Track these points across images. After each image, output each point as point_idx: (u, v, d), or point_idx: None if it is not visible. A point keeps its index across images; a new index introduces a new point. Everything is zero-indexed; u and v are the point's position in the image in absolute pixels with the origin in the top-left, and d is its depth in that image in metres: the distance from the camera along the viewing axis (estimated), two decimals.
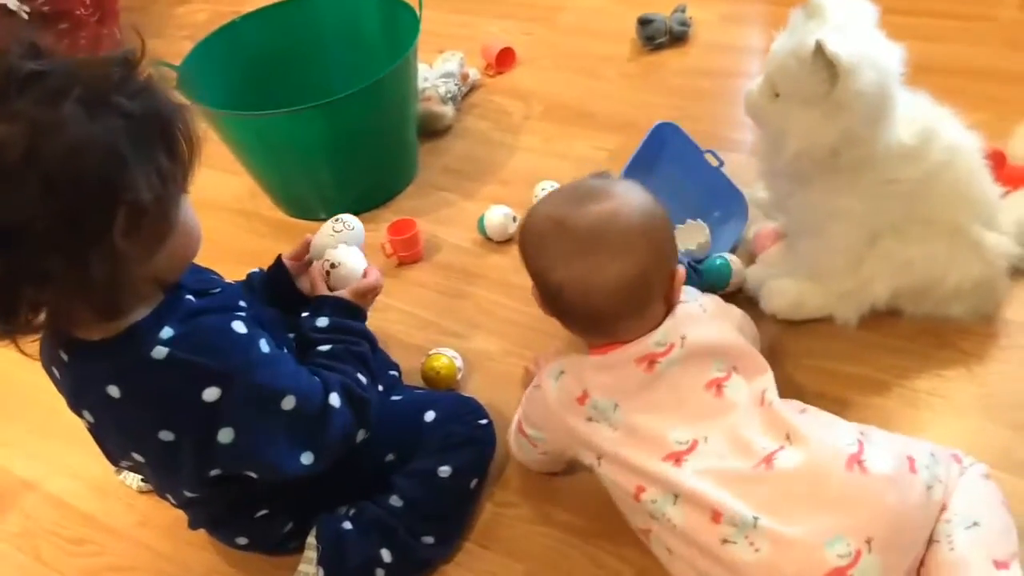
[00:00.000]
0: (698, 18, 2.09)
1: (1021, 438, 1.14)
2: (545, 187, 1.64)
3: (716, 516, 0.91)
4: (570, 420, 1.03)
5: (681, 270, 1.02)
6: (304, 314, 1.13)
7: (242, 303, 1.02)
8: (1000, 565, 0.92)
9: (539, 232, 1.01)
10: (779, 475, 0.91)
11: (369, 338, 1.13)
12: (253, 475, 1.01)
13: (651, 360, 0.99)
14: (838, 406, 1.19)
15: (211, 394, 0.92)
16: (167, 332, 0.91)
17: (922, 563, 0.93)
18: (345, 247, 1.19)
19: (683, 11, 2.07)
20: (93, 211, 0.81)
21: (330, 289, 1.16)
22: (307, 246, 1.23)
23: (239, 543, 1.15)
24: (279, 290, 1.22)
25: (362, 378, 1.05)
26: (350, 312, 1.13)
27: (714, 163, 1.47)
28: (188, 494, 1.05)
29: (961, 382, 1.22)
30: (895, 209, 1.17)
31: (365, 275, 1.17)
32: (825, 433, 0.95)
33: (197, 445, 0.95)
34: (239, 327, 0.96)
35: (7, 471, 1.41)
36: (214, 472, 0.99)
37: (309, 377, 1.00)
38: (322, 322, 1.10)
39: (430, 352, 1.37)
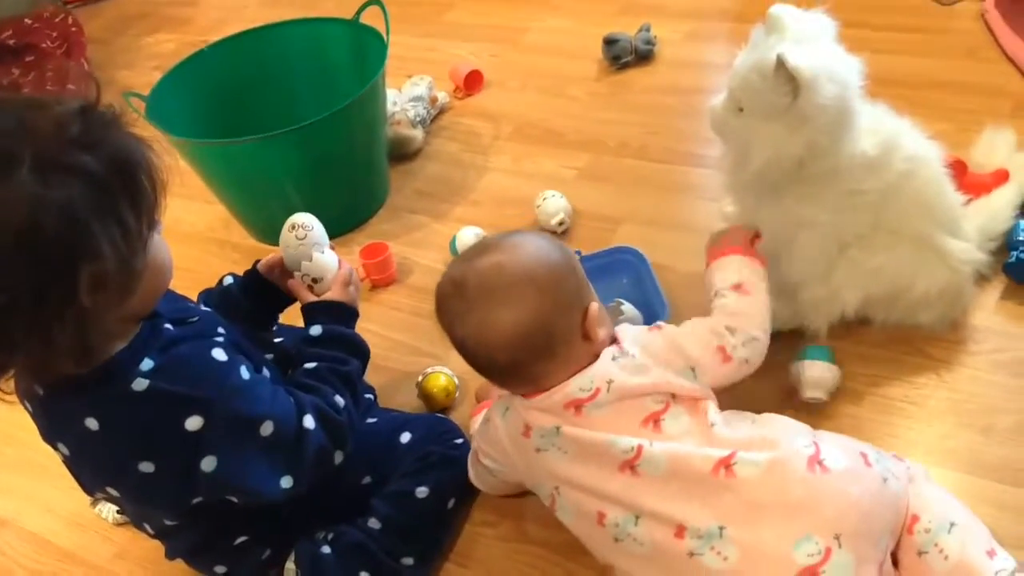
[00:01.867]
0: (663, 37, 2.12)
1: (990, 441, 1.16)
2: (547, 196, 1.66)
3: (680, 531, 0.91)
4: (522, 452, 1.04)
5: (595, 307, 1.01)
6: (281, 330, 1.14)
7: (220, 329, 1.02)
8: (991, 554, 0.94)
9: (441, 294, 1.04)
10: (742, 483, 0.91)
11: (360, 348, 1.13)
12: (234, 500, 1.00)
13: (577, 405, 0.99)
14: (809, 415, 1.21)
15: (194, 423, 0.92)
16: (147, 364, 0.91)
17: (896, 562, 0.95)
18: (319, 256, 1.16)
19: (648, 30, 2.10)
20: (55, 281, 0.80)
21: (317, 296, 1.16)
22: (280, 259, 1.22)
23: (218, 572, 1.13)
24: (256, 292, 1.21)
25: (339, 400, 1.05)
26: (343, 315, 1.14)
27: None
28: (168, 522, 1.05)
29: (931, 388, 1.24)
30: (861, 219, 1.19)
31: (339, 265, 1.18)
32: (782, 437, 0.95)
33: (179, 474, 0.95)
34: (219, 354, 0.96)
35: None
36: (196, 500, 0.98)
37: (285, 400, 1.00)
38: (315, 330, 1.10)
39: (427, 371, 1.37)
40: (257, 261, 1.23)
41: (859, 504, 0.90)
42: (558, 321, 0.99)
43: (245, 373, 0.97)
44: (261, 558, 1.12)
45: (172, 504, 1.02)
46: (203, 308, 1.10)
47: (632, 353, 1.01)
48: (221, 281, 1.23)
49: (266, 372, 1.04)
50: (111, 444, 0.93)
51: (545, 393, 1.01)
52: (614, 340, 1.04)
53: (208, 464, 0.94)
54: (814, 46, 1.09)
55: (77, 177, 0.80)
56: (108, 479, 0.99)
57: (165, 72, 1.77)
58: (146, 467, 0.93)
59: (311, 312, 1.13)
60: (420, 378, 1.36)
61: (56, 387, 0.92)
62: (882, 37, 1.88)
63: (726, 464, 0.92)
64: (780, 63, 1.04)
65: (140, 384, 0.90)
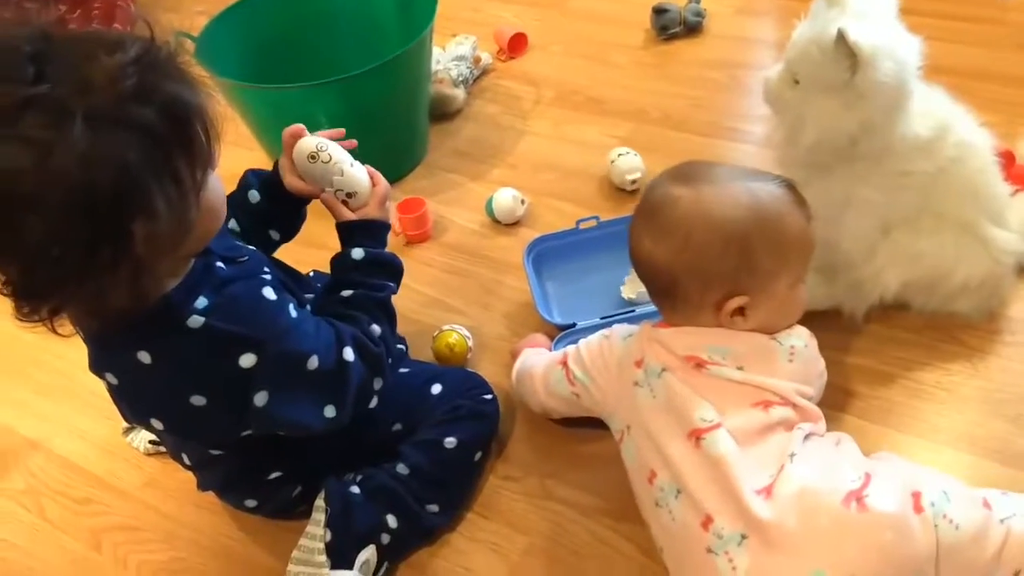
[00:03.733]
0: (712, 9, 2.10)
1: (1020, 431, 1.16)
2: (620, 152, 1.65)
3: (707, 522, 0.91)
4: (622, 379, 1.06)
5: (739, 302, 0.98)
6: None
7: (266, 268, 1.03)
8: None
9: (643, 198, 1.06)
10: (775, 500, 0.89)
11: (397, 269, 1.14)
12: (282, 433, 1.02)
13: (699, 364, 0.99)
14: (843, 396, 1.22)
15: (247, 360, 0.94)
16: (202, 302, 0.92)
17: None
18: (349, 170, 1.12)
19: (698, 2, 2.08)
20: (108, 236, 0.79)
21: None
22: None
23: (248, 505, 1.16)
24: (276, 192, 1.18)
25: (376, 329, 1.06)
26: (381, 234, 1.13)
27: None
28: (211, 452, 1.07)
29: (964, 376, 1.23)
30: (908, 201, 1.18)
31: (375, 180, 1.15)
32: (829, 466, 0.93)
33: (231, 409, 0.97)
34: (269, 293, 0.98)
35: (13, 431, 1.42)
36: (245, 433, 1.01)
37: (327, 333, 1.02)
38: (358, 254, 1.10)
39: (441, 329, 1.38)
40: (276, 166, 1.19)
41: (886, 551, 0.86)
42: (684, 279, 0.99)
43: (293, 311, 0.99)
44: (291, 495, 1.14)
45: (220, 436, 1.04)
46: (249, 247, 1.10)
47: (793, 354, 1.01)
48: (243, 185, 1.20)
49: (308, 307, 1.05)
50: (163, 378, 0.95)
51: (674, 329, 1.02)
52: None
53: (260, 399, 0.96)
54: (875, 23, 1.08)
55: (131, 132, 0.78)
56: (154, 411, 1.01)
57: (213, 16, 1.77)
58: (198, 400, 0.95)
59: (351, 232, 1.12)
60: (433, 336, 1.37)
61: (111, 321, 0.93)
62: (935, 24, 1.82)
63: (767, 489, 0.91)
64: (840, 37, 1.03)
65: (195, 321, 0.91)
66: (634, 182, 1.61)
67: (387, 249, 1.14)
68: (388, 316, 1.10)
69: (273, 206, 1.19)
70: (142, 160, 0.78)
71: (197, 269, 0.94)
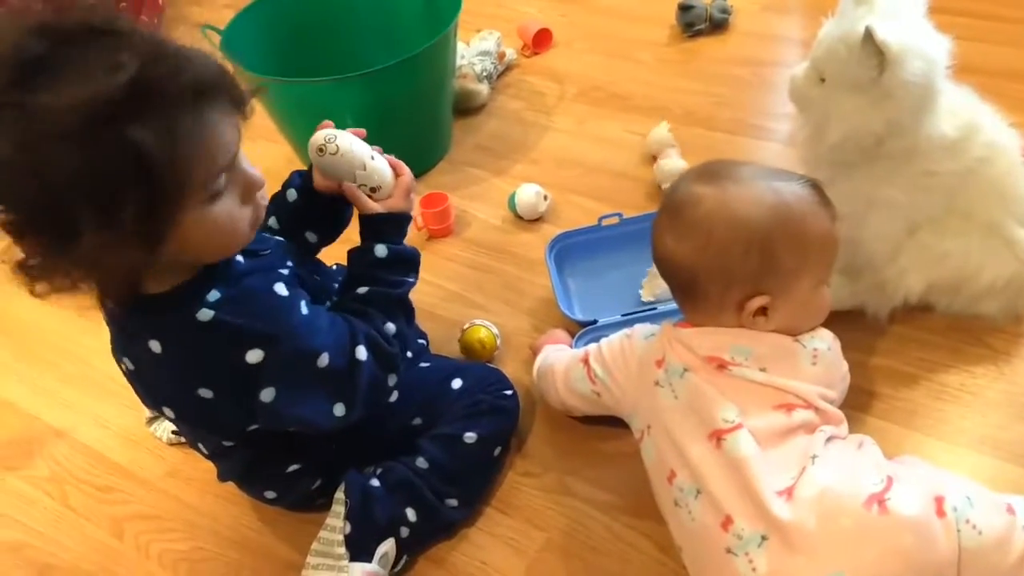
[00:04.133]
0: (739, 6, 2.09)
1: None
2: (669, 155, 1.64)
3: (727, 523, 0.91)
4: (643, 378, 1.05)
5: (760, 302, 0.98)
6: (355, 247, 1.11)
7: (288, 262, 1.04)
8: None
9: (666, 195, 1.06)
10: (796, 502, 0.89)
11: (417, 263, 1.12)
12: (290, 429, 1.03)
13: (721, 364, 0.99)
14: (866, 397, 1.21)
15: (254, 356, 0.94)
16: (214, 295, 0.93)
17: None
18: (371, 163, 1.10)
19: None
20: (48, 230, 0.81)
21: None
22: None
23: (267, 497, 1.17)
24: (311, 192, 1.17)
25: (391, 327, 1.05)
26: (404, 227, 1.12)
27: None
28: (225, 443, 1.08)
29: (989, 379, 1.22)
30: (935, 201, 1.17)
31: (398, 171, 1.13)
32: (851, 468, 0.93)
33: (237, 403, 0.98)
34: (281, 289, 0.98)
35: (38, 419, 1.44)
36: (252, 427, 1.02)
37: (341, 330, 1.01)
38: (381, 251, 1.08)
39: (471, 324, 1.38)
40: (300, 175, 1.18)
41: (907, 555, 0.86)
42: (706, 279, 0.99)
43: (304, 308, 0.99)
44: (311, 487, 1.15)
45: (229, 429, 1.05)
46: (276, 238, 1.11)
47: (816, 357, 1.00)
48: (286, 184, 1.19)
49: (328, 303, 1.06)
50: (172, 367, 0.96)
51: (696, 329, 1.02)
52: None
53: (267, 395, 0.97)
54: (903, 21, 1.07)
55: (69, 157, 0.77)
56: (166, 400, 1.02)
57: (240, 9, 1.78)
58: (205, 393, 0.96)
59: (376, 225, 1.09)
60: (462, 331, 1.37)
61: (126, 305, 0.95)
62: (965, 23, 1.79)
63: (788, 490, 0.90)
64: (868, 36, 1.03)
65: (205, 314, 0.92)
66: None
67: (407, 242, 1.13)
68: (405, 312, 1.10)
69: (309, 206, 1.17)
70: (70, 182, 0.77)
71: (211, 263, 0.95)
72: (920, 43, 1.06)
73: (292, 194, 1.18)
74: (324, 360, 0.98)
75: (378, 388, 1.05)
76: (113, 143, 0.77)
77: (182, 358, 0.95)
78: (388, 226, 1.10)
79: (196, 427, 1.08)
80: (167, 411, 1.03)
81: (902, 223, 1.19)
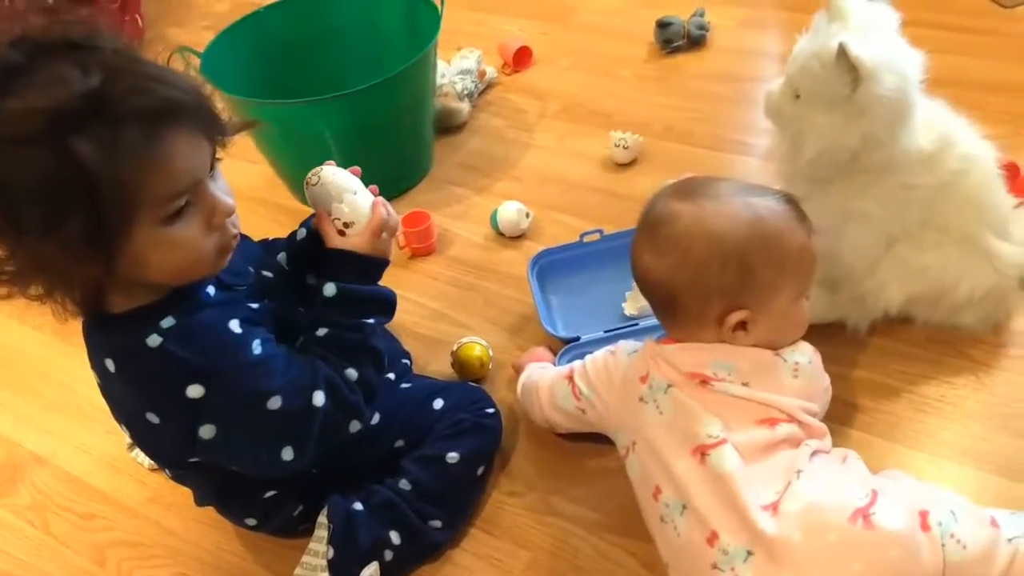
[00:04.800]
0: (716, 23, 2.10)
1: None
2: (622, 136, 1.69)
3: (712, 538, 0.91)
4: (627, 395, 1.05)
5: (739, 316, 0.98)
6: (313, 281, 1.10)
7: (258, 301, 1.03)
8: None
9: (644, 212, 1.06)
10: (781, 516, 0.89)
11: (377, 303, 1.07)
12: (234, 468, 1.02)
13: (704, 380, 0.99)
14: (847, 410, 1.21)
15: (195, 391, 0.92)
16: (168, 322, 0.92)
17: None
18: (350, 198, 1.07)
19: (702, 15, 2.08)
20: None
21: None
22: None
23: (248, 524, 1.16)
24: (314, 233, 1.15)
25: (352, 374, 1.02)
26: (365, 268, 1.06)
27: None
28: (169, 472, 1.08)
29: (970, 390, 1.23)
30: (911, 214, 1.18)
31: (373, 211, 1.07)
32: (836, 483, 0.93)
33: (178, 434, 0.96)
34: (235, 326, 0.96)
35: (19, 445, 1.43)
36: (194, 460, 1.00)
37: (299, 372, 0.99)
38: (329, 290, 1.03)
39: (462, 341, 1.37)
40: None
41: (893, 569, 0.86)
42: (684, 295, 1.00)
43: (258, 348, 0.96)
44: (293, 513, 1.14)
45: (171, 458, 1.04)
46: (263, 273, 1.10)
47: (797, 371, 1.01)
48: (302, 224, 1.19)
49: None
50: (124, 387, 0.96)
51: (678, 345, 1.02)
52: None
53: (207, 432, 0.95)
54: (876, 37, 1.08)
55: (18, 163, 0.79)
56: (122, 418, 1.02)
57: (220, 30, 1.78)
58: (152, 418, 0.95)
59: (329, 262, 1.05)
60: (455, 347, 1.37)
61: (92, 321, 0.96)
62: (940, 36, 1.84)
63: (774, 505, 0.90)
64: (842, 52, 1.03)
65: (154, 340, 0.91)
66: None
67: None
68: (369, 356, 1.05)
69: (311, 247, 1.14)
70: (25, 186, 0.80)
71: (180, 287, 0.94)
72: (893, 58, 1.07)
73: (302, 232, 1.18)
74: (276, 403, 0.96)
75: (335, 434, 1.02)
76: (56, 152, 0.78)
77: (131, 380, 0.95)
78: (342, 264, 1.05)
79: (145, 450, 1.08)
80: (124, 430, 1.03)
81: (879, 236, 1.19)
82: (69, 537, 1.28)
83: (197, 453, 0.98)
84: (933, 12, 1.93)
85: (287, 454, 0.99)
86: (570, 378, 1.16)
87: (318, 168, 1.10)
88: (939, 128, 1.15)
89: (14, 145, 0.79)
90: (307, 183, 1.09)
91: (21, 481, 1.37)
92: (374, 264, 1.07)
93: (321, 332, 1.03)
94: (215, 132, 0.91)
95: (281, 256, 1.18)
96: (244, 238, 1.11)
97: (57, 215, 0.80)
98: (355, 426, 1.04)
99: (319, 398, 0.98)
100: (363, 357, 1.04)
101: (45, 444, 1.42)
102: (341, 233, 1.07)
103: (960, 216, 1.19)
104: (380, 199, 1.10)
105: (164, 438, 0.98)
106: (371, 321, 1.06)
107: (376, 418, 1.13)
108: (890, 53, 1.07)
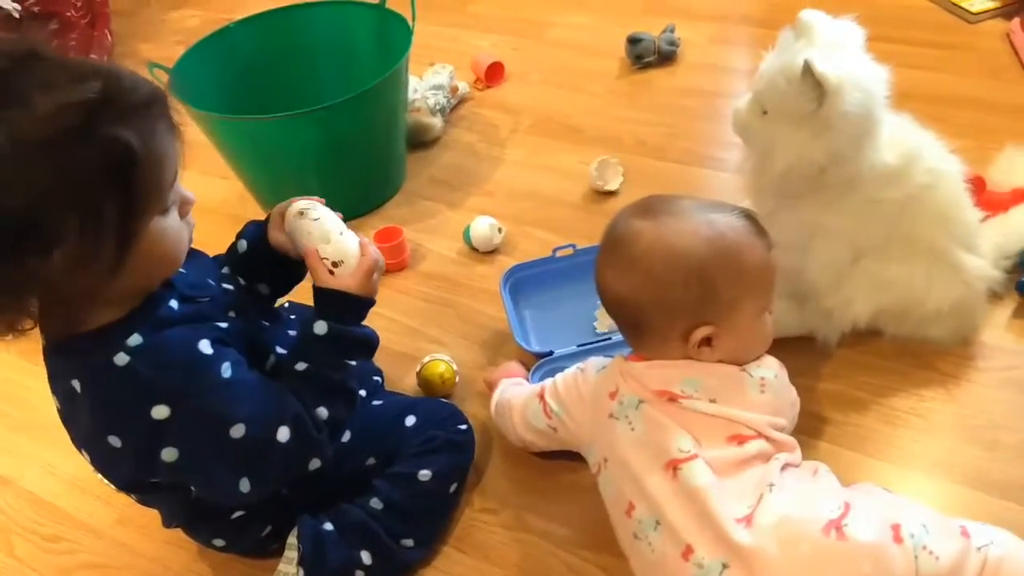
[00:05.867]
0: (686, 38, 2.12)
1: (995, 458, 1.16)
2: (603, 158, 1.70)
3: (687, 552, 0.91)
4: (597, 412, 1.05)
5: (704, 332, 0.98)
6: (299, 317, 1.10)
7: (226, 316, 1.01)
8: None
9: (608, 230, 1.06)
10: (755, 529, 0.89)
11: (364, 346, 1.07)
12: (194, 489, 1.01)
13: (672, 398, 0.99)
14: (816, 422, 1.21)
15: (160, 412, 0.91)
16: (135, 339, 0.91)
17: None
18: (337, 238, 1.07)
19: (672, 31, 2.09)
20: (13, 251, 0.80)
21: None
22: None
23: (216, 544, 1.14)
24: (263, 244, 1.15)
25: (323, 412, 1.01)
26: (357, 308, 1.06)
27: None
28: (135, 496, 1.07)
29: (939, 402, 1.24)
30: (878, 229, 1.19)
31: (363, 251, 1.07)
32: (808, 495, 0.94)
33: (139, 456, 0.94)
34: (205, 347, 0.94)
35: None
36: (154, 480, 0.99)
37: (268, 401, 0.97)
38: (320, 328, 1.02)
39: (426, 359, 1.37)
40: (256, 225, 1.17)
41: None
42: (650, 311, 1.00)
43: (227, 371, 0.95)
44: (261, 534, 1.13)
45: (129, 481, 1.02)
46: (224, 286, 1.08)
47: (764, 386, 1.01)
48: (240, 234, 1.19)
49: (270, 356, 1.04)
50: (88, 410, 0.94)
51: (646, 363, 1.02)
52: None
53: (168, 455, 0.93)
54: (841, 53, 1.09)
55: (54, 163, 0.79)
56: (82, 442, 1.00)
57: (190, 46, 1.77)
58: (114, 441, 0.94)
59: (321, 300, 1.05)
60: (419, 365, 1.37)
61: (55, 343, 0.94)
62: (906, 51, 1.87)
63: (747, 518, 0.90)
64: (807, 68, 1.04)
65: (121, 359, 0.90)
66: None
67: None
68: (343, 396, 1.04)
69: (260, 259, 1.15)
70: (58, 191, 0.79)
71: (144, 304, 0.93)
72: (859, 74, 1.09)
73: (243, 245, 1.17)
74: (239, 431, 0.94)
75: (293, 469, 1.00)
76: (96, 142, 0.80)
77: (97, 401, 0.93)
78: (330, 303, 1.04)
79: (104, 475, 1.05)
80: (84, 454, 1.00)
81: (846, 251, 1.20)
82: (34, 560, 1.25)
83: (158, 475, 0.97)
84: (899, 27, 1.96)
85: (244, 485, 0.97)
86: (541, 396, 1.16)
87: (304, 204, 1.10)
88: (905, 143, 1.17)
89: (39, 148, 0.78)
90: (301, 213, 1.08)
91: None
92: (365, 304, 1.07)
93: (301, 367, 1.02)
94: (175, 127, 0.92)
95: (225, 269, 1.16)
96: (199, 253, 1.11)
97: (93, 212, 0.81)
98: (315, 463, 1.01)
99: (283, 433, 0.97)
100: (338, 397, 1.03)
101: (9, 465, 1.39)
102: (330, 271, 1.06)
103: (927, 230, 1.20)
104: (365, 239, 1.10)
105: (125, 462, 0.96)
106: (353, 363, 1.05)
107: (347, 436, 1.12)
108: (855, 69, 1.08)
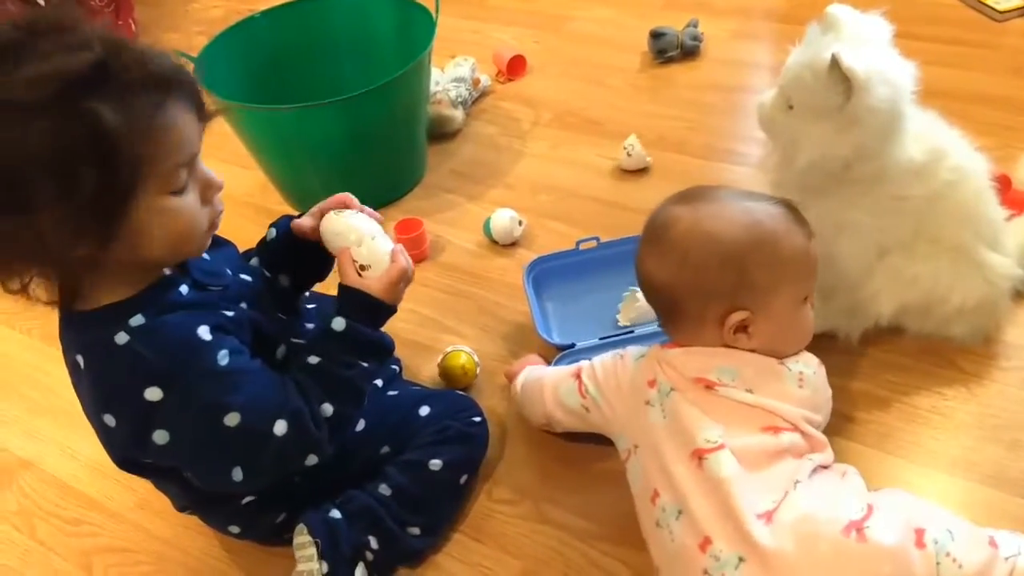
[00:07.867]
0: (709, 33, 2.11)
1: (1016, 457, 1.15)
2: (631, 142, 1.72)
3: (705, 544, 0.91)
4: (633, 398, 1.06)
5: (739, 317, 0.98)
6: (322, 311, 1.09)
7: (236, 306, 1.01)
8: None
9: (651, 217, 1.08)
10: (775, 525, 0.89)
11: (380, 350, 1.06)
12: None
13: (708, 385, 0.99)
14: (839, 420, 1.20)
15: (153, 394, 0.91)
16: (137, 320, 0.91)
17: None
18: (369, 242, 1.07)
19: (695, 26, 2.09)
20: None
21: None
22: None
23: (232, 531, 1.15)
24: (289, 235, 1.15)
25: (326, 409, 0.99)
26: (377, 313, 1.05)
27: None
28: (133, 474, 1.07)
29: (960, 401, 1.23)
30: (903, 225, 1.18)
31: (393, 258, 1.07)
32: (832, 495, 0.93)
33: (132, 436, 0.95)
34: (203, 332, 0.93)
35: (5, 449, 1.41)
36: (147, 461, 0.99)
37: (268, 392, 0.96)
38: (338, 324, 1.02)
39: (448, 349, 1.37)
40: (290, 218, 1.17)
41: None
42: (686, 298, 1.01)
43: (224, 358, 0.94)
44: (276, 521, 1.13)
45: (123, 459, 1.02)
46: (241, 276, 1.08)
47: (802, 381, 1.01)
48: (272, 224, 1.19)
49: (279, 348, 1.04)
50: (88, 386, 0.95)
51: (682, 349, 1.03)
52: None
53: (160, 437, 0.93)
54: (869, 48, 1.08)
55: (35, 129, 0.79)
56: (88, 415, 1.00)
57: (214, 36, 1.78)
58: (108, 419, 0.94)
59: (344, 298, 1.04)
60: (441, 356, 1.37)
61: (66, 317, 0.96)
62: (932, 48, 1.86)
63: (769, 514, 0.90)
64: (835, 63, 1.04)
65: (121, 338, 0.90)
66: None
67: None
68: (351, 395, 1.03)
69: (283, 250, 1.16)
70: (32, 155, 0.79)
71: (154, 287, 0.94)
72: (886, 69, 1.08)
73: (271, 233, 1.18)
74: (234, 419, 0.93)
75: (288, 464, 1.00)
76: (73, 114, 0.79)
77: (96, 378, 0.94)
78: (351, 303, 1.04)
79: (107, 451, 1.03)
80: (92, 425, 1.00)
81: (871, 246, 1.20)
82: (55, 543, 1.27)
83: (150, 456, 0.97)
84: (926, 24, 1.95)
85: (236, 474, 0.96)
86: (577, 376, 1.16)
87: (347, 201, 1.12)
88: (931, 139, 1.16)
89: (28, 111, 0.79)
90: (330, 212, 1.10)
91: (7, 486, 1.35)
92: (386, 310, 1.07)
93: (313, 360, 1.01)
94: (201, 110, 0.92)
95: (254, 260, 1.17)
96: (226, 242, 1.12)
97: (69, 180, 0.80)
98: (312, 460, 1.00)
99: (280, 426, 0.96)
100: (346, 395, 1.02)
101: (31, 448, 1.41)
102: (358, 272, 1.06)
103: (952, 227, 1.19)
104: (399, 247, 1.09)
105: (119, 440, 0.97)
106: (366, 364, 1.04)
107: (362, 424, 1.13)
108: (883, 64, 1.08)
